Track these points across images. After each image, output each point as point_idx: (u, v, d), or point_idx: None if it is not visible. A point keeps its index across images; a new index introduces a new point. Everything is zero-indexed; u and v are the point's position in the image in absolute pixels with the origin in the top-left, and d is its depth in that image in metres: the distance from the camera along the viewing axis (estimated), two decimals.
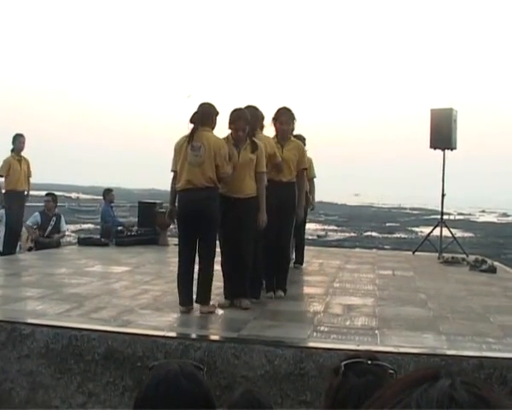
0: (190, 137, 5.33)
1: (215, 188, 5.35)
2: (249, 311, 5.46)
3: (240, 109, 5.62)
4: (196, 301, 5.42)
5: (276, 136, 6.40)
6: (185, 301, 5.39)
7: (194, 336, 4.65)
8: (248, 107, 5.87)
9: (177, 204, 5.49)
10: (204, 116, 5.39)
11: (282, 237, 6.23)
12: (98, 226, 13.11)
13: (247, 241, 5.54)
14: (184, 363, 1.53)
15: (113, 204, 11.72)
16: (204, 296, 5.39)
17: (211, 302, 5.45)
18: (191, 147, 5.29)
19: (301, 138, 7.51)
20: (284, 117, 6.33)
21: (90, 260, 8.57)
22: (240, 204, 5.49)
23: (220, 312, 5.46)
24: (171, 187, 5.50)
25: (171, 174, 5.48)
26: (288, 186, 6.29)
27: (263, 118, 6.21)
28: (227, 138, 5.61)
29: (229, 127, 5.62)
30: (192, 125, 5.40)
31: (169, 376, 1.45)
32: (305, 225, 8.63)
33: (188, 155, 5.29)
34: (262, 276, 6.16)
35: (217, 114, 5.50)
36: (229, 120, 5.59)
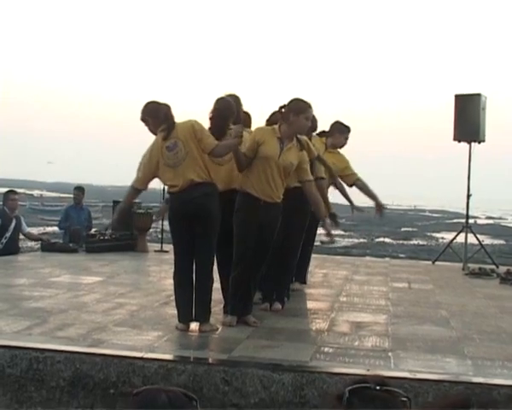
0: (165, 138, 5.33)
1: (211, 183, 5.36)
2: (241, 328, 5.46)
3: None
4: (195, 319, 5.41)
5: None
6: (187, 316, 5.38)
7: (177, 357, 4.64)
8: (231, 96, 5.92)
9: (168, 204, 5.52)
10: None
11: (291, 238, 6.31)
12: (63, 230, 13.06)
13: (270, 248, 5.67)
14: (174, 392, 1.52)
15: (84, 204, 11.69)
16: (204, 312, 5.40)
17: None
18: (166, 148, 5.29)
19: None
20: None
21: (55, 268, 8.55)
22: (267, 208, 5.53)
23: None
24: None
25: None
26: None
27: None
28: (273, 130, 5.65)
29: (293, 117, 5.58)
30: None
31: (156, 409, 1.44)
32: (316, 230, 7.79)
33: (166, 158, 5.29)
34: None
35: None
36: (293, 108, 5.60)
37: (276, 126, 5.70)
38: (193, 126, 5.34)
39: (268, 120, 6.30)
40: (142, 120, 5.50)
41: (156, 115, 5.37)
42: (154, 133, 5.44)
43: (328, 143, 7.33)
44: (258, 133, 5.64)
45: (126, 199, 5.78)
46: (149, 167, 5.40)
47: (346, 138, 7.51)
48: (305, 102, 5.68)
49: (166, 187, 5.46)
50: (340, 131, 7.48)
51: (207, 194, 5.31)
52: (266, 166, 5.51)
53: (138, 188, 5.53)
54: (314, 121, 6.68)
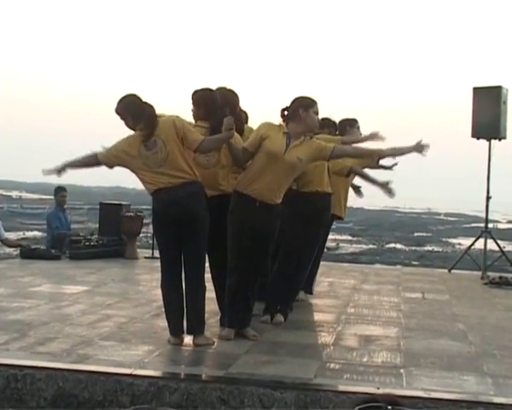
0: (145, 141, 5.28)
1: (196, 181, 5.34)
2: (239, 342, 5.46)
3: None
4: (187, 332, 5.41)
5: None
6: (178, 328, 5.38)
7: (169, 374, 4.64)
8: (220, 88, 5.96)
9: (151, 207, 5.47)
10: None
11: (303, 249, 6.44)
12: (45, 234, 13.07)
13: (269, 254, 5.71)
14: None
15: (66, 206, 11.70)
16: (198, 324, 5.40)
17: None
18: (144, 146, 5.25)
19: None
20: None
21: (35, 277, 8.55)
22: (264, 210, 5.54)
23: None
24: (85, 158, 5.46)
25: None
26: (324, 196, 6.56)
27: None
28: (280, 127, 5.69)
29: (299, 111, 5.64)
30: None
31: None
32: (327, 236, 7.97)
33: (144, 158, 5.27)
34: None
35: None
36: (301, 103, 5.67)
37: (282, 123, 5.72)
38: (174, 123, 5.30)
39: None
40: (119, 115, 5.44)
41: (138, 116, 5.32)
42: (132, 129, 5.40)
43: (347, 141, 7.16)
44: (263, 127, 5.64)
45: (80, 158, 5.48)
46: (120, 152, 5.31)
47: (359, 128, 7.58)
48: (310, 97, 5.74)
49: (148, 190, 5.38)
50: (350, 124, 7.53)
51: (193, 194, 5.28)
52: (269, 163, 5.50)
53: (99, 159, 5.37)
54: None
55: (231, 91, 6.06)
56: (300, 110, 5.61)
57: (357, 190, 8.13)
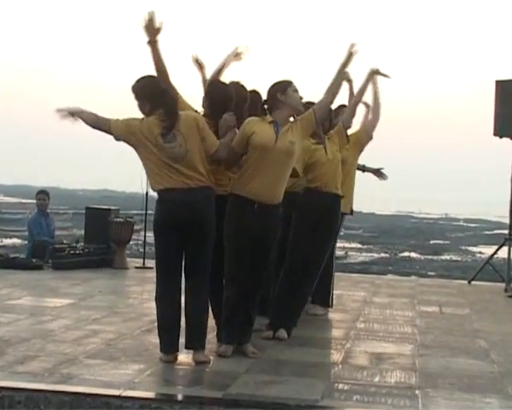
0: (166, 129, 5.26)
1: (211, 187, 5.39)
2: (239, 360, 5.46)
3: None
4: (187, 347, 5.42)
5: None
6: (171, 345, 5.39)
7: (162, 396, 4.63)
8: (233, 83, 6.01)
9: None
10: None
11: (311, 259, 6.50)
12: (26, 242, 13.07)
13: (271, 262, 5.74)
14: None
15: (48, 211, 11.71)
16: (200, 337, 5.41)
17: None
18: (161, 136, 5.23)
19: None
20: None
21: (15, 289, 8.55)
22: (264, 212, 5.54)
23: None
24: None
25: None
26: (334, 198, 6.63)
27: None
28: (263, 119, 5.72)
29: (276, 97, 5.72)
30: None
31: None
32: (335, 241, 7.65)
33: (159, 149, 5.25)
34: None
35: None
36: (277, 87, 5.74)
37: (266, 116, 5.76)
38: (196, 121, 5.36)
39: None
40: (136, 94, 5.39)
41: (156, 102, 5.28)
42: (146, 115, 5.34)
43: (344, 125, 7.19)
44: (247, 125, 5.65)
45: (95, 115, 5.39)
46: (139, 133, 5.28)
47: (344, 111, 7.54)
48: (284, 79, 5.81)
49: (155, 186, 5.35)
50: (339, 113, 7.53)
51: (209, 198, 5.34)
52: (262, 157, 5.50)
53: (111, 128, 5.31)
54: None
55: (244, 87, 6.12)
56: (278, 95, 5.68)
57: (377, 172, 8.19)
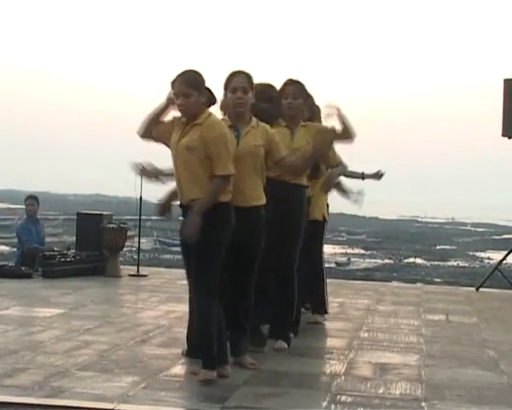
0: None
1: None
2: (237, 372, 5.45)
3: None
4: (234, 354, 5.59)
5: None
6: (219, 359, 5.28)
7: (157, 409, 4.62)
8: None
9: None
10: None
11: (283, 259, 6.36)
12: (15, 249, 13.07)
13: (254, 271, 5.70)
14: None
15: (38, 217, 11.71)
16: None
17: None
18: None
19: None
20: (291, 90, 6.54)
21: (3, 298, 8.54)
22: (243, 217, 5.48)
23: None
24: None
25: None
26: (297, 189, 6.37)
27: None
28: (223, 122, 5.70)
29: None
30: None
31: None
32: (321, 247, 7.80)
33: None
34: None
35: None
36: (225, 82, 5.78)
37: (225, 117, 5.83)
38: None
39: None
40: (185, 93, 5.27)
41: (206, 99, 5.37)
42: (189, 112, 5.29)
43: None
44: None
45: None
46: (165, 129, 5.44)
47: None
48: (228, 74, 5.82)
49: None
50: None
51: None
52: None
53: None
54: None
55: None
56: (223, 94, 5.80)
57: (376, 175, 8.15)
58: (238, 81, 5.66)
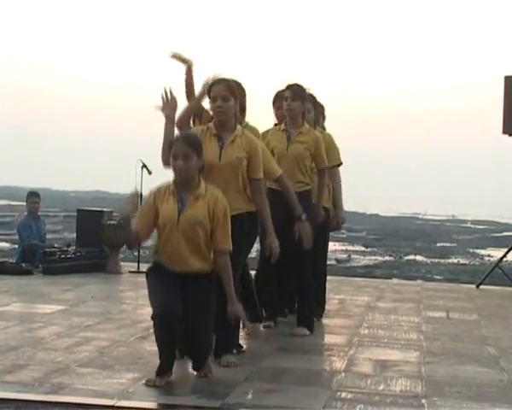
0: None
1: None
2: (239, 368, 5.45)
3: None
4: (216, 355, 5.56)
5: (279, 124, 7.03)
6: None
7: (158, 405, 4.64)
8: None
9: None
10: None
11: (301, 262, 6.72)
12: (16, 246, 13.08)
13: (236, 270, 5.57)
14: None
15: (39, 213, 11.70)
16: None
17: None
18: None
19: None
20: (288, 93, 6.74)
21: (3, 295, 8.54)
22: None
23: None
24: None
25: None
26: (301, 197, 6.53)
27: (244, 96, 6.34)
28: (207, 128, 5.72)
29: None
30: None
31: None
32: (326, 253, 8.02)
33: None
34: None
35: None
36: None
37: (210, 123, 5.77)
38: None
39: None
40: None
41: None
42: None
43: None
44: None
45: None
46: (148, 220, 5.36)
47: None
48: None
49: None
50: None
51: None
52: (208, 175, 5.38)
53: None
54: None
55: (240, 85, 6.14)
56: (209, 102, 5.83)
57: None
58: (218, 90, 5.63)
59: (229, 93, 5.59)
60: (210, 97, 5.70)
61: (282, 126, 6.84)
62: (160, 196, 5.17)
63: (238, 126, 5.73)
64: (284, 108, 6.75)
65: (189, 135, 5.36)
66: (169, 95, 5.73)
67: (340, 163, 7.57)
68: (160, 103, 5.76)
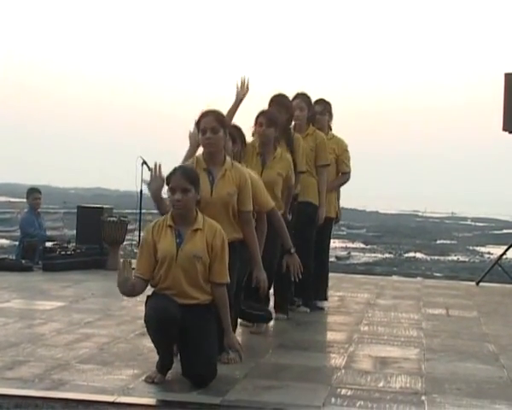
0: None
1: None
2: (238, 365, 5.45)
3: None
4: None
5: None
6: None
7: (158, 402, 4.64)
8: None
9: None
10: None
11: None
12: (16, 242, 13.08)
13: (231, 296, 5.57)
14: None
15: (39, 210, 11.71)
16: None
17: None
18: None
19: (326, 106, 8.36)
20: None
21: (4, 291, 8.55)
22: None
23: None
24: None
25: None
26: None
27: None
28: (197, 161, 5.68)
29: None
30: None
31: None
32: (328, 247, 8.61)
33: None
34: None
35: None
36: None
37: (199, 155, 5.73)
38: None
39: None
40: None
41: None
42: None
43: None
44: None
45: None
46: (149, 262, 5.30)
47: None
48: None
49: None
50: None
51: None
52: (202, 209, 5.30)
53: None
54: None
55: (240, 130, 6.49)
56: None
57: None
58: (206, 122, 5.52)
59: (218, 124, 5.51)
60: (198, 129, 5.60)
61: (257, 148, 6.90)
62: (157, 231, 5.15)
63: (227, 158, 5.64)
64: (258, 133, 6.84)
65: (186, 168, 5.27)
66: (157, 173, 5.45)
67: (328, 164, 7.86)
68: (148, 179, 5.57)
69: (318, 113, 8.05)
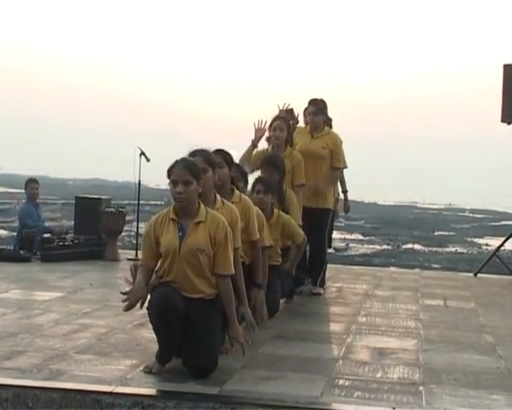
0: None
1: None
2: (237, 356, 5.45)
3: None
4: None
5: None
6: None
7: (155, 392, 4.65)
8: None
9: None
10: None
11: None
12: (14, 233, 13.08)
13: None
14: None
15: (38, 201, 11.71)
16: None
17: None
18: None
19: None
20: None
21: (2, 282, 8.55)
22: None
23: None
24: None
25: None
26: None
27: None
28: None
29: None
30: None
31: None
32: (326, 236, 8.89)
33: None
34: None
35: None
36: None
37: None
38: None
39: None
40: (186, 182, 5.05)
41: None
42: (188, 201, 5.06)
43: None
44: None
45: None
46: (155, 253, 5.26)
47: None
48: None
49: None
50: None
51: None
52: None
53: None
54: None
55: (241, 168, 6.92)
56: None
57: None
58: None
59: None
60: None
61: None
62: (159, 225, 5.11)
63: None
64: (256, 201, 6.84)
65: (187, 161, 5.18)
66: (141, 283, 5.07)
67: (303, 184, 8.19)
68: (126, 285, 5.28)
69: (312, 113, 8.46)
